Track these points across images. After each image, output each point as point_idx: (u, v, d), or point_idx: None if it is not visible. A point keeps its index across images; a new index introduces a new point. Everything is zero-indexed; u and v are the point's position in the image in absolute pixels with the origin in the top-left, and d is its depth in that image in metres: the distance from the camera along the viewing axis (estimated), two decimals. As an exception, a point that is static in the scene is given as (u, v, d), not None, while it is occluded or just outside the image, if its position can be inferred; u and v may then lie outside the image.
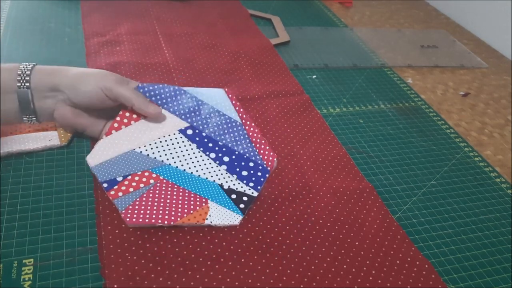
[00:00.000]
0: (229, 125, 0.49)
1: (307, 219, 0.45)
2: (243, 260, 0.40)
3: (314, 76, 0.70)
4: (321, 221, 0.45)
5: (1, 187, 0.44)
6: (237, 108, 0.50)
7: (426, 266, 0.42)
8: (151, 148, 0.47)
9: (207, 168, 0.46)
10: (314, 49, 0.78)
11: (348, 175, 0.51)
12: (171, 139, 0.47)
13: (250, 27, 0.81)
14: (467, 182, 0.54)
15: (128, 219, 0.40)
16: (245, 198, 0.45)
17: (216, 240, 0.42)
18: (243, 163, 0.47)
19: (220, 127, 0.49)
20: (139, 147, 0.46)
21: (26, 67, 0.45)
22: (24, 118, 0.46)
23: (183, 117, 0.48)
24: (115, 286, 0.37)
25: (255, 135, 0.48)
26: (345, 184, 0.50)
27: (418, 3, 1.06)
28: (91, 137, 0.49)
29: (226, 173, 0.46)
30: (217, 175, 0.46)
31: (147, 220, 0.41)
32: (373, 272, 0.41)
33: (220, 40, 0.75)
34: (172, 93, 0.49)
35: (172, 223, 0.41)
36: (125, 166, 0.45)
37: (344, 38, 0.84)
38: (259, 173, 0.46)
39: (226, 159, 0.47)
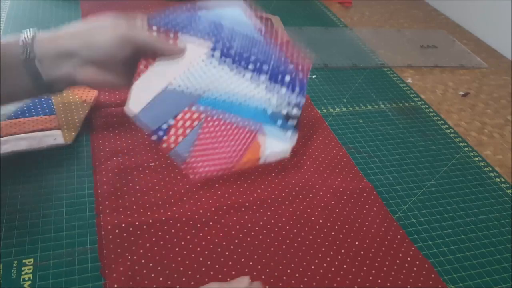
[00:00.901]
0: (254, 42, 0.46)
1: (307, 219, 0.45)
2: (243, 260, 0.40)
3: (314, 76, 0.70)
4: (321, 221, 0.45)
5: (1, 187, 0.44)
6: (257, 27, 0.47)
7: (426, 266, 0.42)
8: (183, 82, 0.43)
9: (246, 92, 0.44)
10: (314, 49, 0.78)
11: (348, 175, 0.51)
12: (200, 67, 0.44)
13: (250, 27, 0.81)
14: (467, 182, 0.54)
15: (191, 175, 0.40)
16: (290, 123, 0.44)
17: (216, 240, 0.42)
18: (280, 77, 0.45)
19: (245, 45, 0.46)
20: (171, 83, 0.43)
21: (27, 36, 0.40)
22: (36, 91, 0.41)
23: (205, 37, 0.45)
24: (115, 286, 0.37)
25: (283, 45, 0.46)
26: (345, 184, 0.50)
27: (418, 3, 1.06)
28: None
29: (267, 94, 0.44)
30: (258, 97, 0.44)
31: (208, 171, 0.40)
32: (373, 272, 0.41)
33: (220, 40, 0.75)
34: (187, 21, 0.46)
35: (232, 169, 0.41)
36: (167, 107, 0.43)
37: (344, 38, 0.84)
38: (299, 84, 0.45)
39: (262, 77, 0.45)
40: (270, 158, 0.42)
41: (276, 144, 0.43)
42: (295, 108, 0.44)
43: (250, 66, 0.45)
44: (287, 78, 0.45)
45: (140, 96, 0.42)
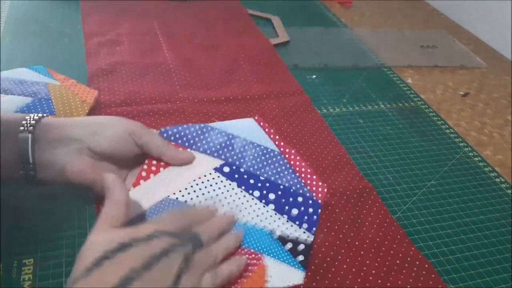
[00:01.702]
0: (267, 155, 0.44)
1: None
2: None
3: (314, 76, 0.70)
4: (321, 221, 0.45)
5: (1, 187, 0.44)
6: (271, 136, 0.46)
7: (426, 266, 0.42)
8: (188, 193, 0.41)
9: (253, 210, 0.41)
10: (314, 49, 0.78)
11: (348, 175, 0.51)
12: (208, 180, 0.42)
13: (250, 27, 0.81)
14: (466, 182, 0.54)
15: None
16: (301, 247, 0.39)
17: (216, 240, 0.42)
18: (291, 199, 0.42)
19: (258, 159, 0.44)
20: (174, 193, 0.41)
21: (33, 117, 0.38)
22: (20, 171, 0.37)
23: (215, 154, 0.44)
24: (115, 286, 0.37)
25: (297, 163, 0.44)
26: (345, 184, 0.50)
27: (418, 3, 1.06)
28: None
29: (275, 214, 0.41)
30: (266, 218, 0.41)
31: None
32: (373, 272, 0.41)
33: (220, 40, 0.75)
34: (199, 132, 0.44)
35: None
36: None
37: (344, 38, 0.84)
38: (311, 209, 0.41)
39: (271, 196, 0.42)
40: (278, 284, 0.37)
41: (285, 272, 0.37)
42: (301, 244, 0.39)
43: (259, 184, 0.42)
44: (294, 211, 0.41)
45: (133, 205, 0.39)
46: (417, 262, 0.42)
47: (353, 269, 0.41)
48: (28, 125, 0.37)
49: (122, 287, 0.29)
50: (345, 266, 0.41)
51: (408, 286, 0.40)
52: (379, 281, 0.40)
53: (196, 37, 0.75)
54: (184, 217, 0.37)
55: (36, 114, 0.39)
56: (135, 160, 0.42)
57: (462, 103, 0.70)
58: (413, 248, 0.44)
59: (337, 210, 0.46)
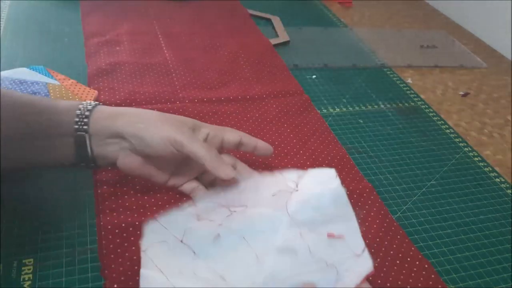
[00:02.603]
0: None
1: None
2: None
3: (314, 76, 0.70)
4: (321, 221, 0.45)
5: (1, 187, 0.44)
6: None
7: (426, 266, 0.42)
8: None
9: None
10: (314, 49, 0.78)
11: (348, 175, 0.51)
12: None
13: (250, 27, 0.81)
14: (466, 182, 0.54)
15: None
16: None
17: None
18: None
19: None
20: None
21: (86, 107, 0.40)
22: (82, 164, 0.41)
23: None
24: (115, 286, 0.37)
25: None
26: (345, 184, 0.50)
27: (418, 3, 1.06)
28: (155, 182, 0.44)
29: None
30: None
31: None
32: (373, 272, 0.41)
33: (220, 40, 0.75)
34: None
35: None
36: None
37: (344, 38, 0.84)
38: None
39: None
40: None
41: None
42: None
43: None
44: None
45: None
46: (417, 262, 0.42)
47: (353, 269, 0.41)
48: (82, 123, 0.39)
49: None
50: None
51: (408, 286, 0.40)
52: (379, 281, 0.40)
53: (196, 37, 0.75)
54: None
55: (86, 106, 0.40)
56: (183, 159, 0.43)
57: (462, 103, 0.70)
58: (413, 248, 0.44)
59: (337, 210, 0.46)
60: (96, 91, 0.56)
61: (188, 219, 0.39)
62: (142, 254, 0.36)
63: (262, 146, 0.45)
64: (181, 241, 0.37)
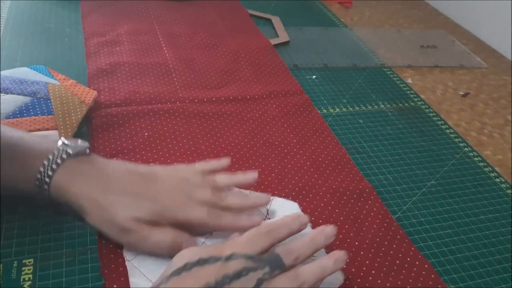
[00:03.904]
0: None
1: None
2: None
3: (314, 76, 0.70)
4: (321, 221, 0.45)
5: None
6: None
7: (426, 266, 0.42)
8: None
9: None
10: (314, 49, 0.78)
11: (348, 175, 0.51)
12: None
13: (250, 27, 0.81)
14: (466, 182, 0.54)
15: None
16: None
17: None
18: None
19: None
20: None
21: (54, 160, 0.37)
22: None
23: None
24: (115, 286, 0.37)
25: None
26: (345, 184, 0.50)
27: (418, 3, 1.06)
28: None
29: None
30: None
31: None
32: (373, 272, 0.41)
33: (220, 40, 0.75)
34: None
35: None
36: None
37: (344, 38, 0.84)
38: None
39: None
40: None
41: None
42: None
43: None
44: None
45: None
46: (417, 262, 0.42)
47: (353, 269, 0.41)
48: (44, 188, 0.37)
49: None
50: (345, 266, 0.41)
51: (408, 286, 0.40)
52: (379, 281, 0.40)
53: (196, 37, 0.75)
54: (265, 237, 0.36)
55: (55, 159, 0.37)
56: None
57: (462, 103, 0.70)
58: (413, 248, 0.44)
59: (337, 210, 0.46)
60: (95, 92, 0.56)
61: None
62: (128, 264, 0.37)
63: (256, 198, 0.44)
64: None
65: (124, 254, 0.39)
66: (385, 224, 0.46)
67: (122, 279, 0.37)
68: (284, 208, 0.45)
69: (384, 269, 0.41)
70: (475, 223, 0.48)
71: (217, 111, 0.58)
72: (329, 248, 0.42)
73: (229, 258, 0.33)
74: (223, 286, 0.31)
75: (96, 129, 0.52)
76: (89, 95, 0.55)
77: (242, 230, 0.37)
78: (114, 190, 0.38)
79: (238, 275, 0.32)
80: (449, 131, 0.62)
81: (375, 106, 0.65)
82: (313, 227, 0.44)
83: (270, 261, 0.34)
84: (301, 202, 0.47)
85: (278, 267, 0.33)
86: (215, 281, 0.31)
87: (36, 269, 0.37)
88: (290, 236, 0.37)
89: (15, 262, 0.38)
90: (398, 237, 0.45)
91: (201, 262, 0.32)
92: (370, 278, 0.40)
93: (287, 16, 0.88)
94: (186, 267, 0.32)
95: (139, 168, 0.41)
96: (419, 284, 0.40)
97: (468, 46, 0.88)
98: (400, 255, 0.43)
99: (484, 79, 0.78)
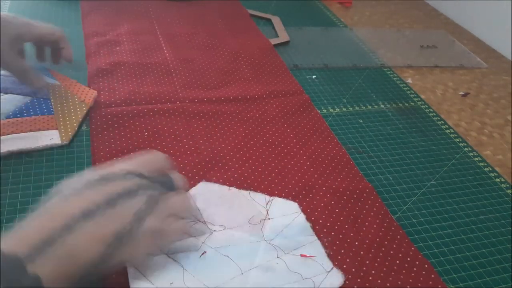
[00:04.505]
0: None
1: (307, 219, 0.45)
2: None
3: (314, 76, 0.70)
4: (321, 221, 0.45)
5: (1, 187, 0.44)
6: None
7: (426, 266, 0.42)
8: None
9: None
10: (314, 49, 0.78)
11: (348, 175, 0.51)
12: None
13: (250, 27, 0.81)
14: (466, 182, 0.54)
15: None
16: None
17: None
18: None
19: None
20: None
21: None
22: None
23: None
24: (115, 286, 0.37)
25: None
26: (345, 184, 0.50)
27: (418, 3, 1.06)
28: None
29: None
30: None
31: None
32: (373, 272, 0.41)
33: (220, 40, 0.75)
34: None
35: None
36: None
37: (344, 38, 0.84)
38: None
39: None
40: None
41: None
42: None
43: None
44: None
45: None
46: (417, 262, 0.42)
47: (353, 269, 0.41)
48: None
49: (82, 218, 0.31)
50: (345, 266, 0.41)
51: (408, 286, 0.40)
52: (379, 281, 0.40)
53: (196, 37, 0.75)
54: (162, 161, 0.39)
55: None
56: None
57: (462, 103, 0.70)
58: (413, 248, 0.44)
59: (337, 210, 0.46)
60: (95, 92, 0.56)
61: None
62: (128, 264, 0.37)
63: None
64: (167, 255, 0.38)
65: None
66: (385, 224, 0.46)
67: (122, 279, 0.37)
68: (284, 208, 0.45)
69: (384, 269, 0.41)
70: (475, 223, 0.48)
71: (217, 111, 0.58)
72: (329, 248, 0.42)
73: (122, 176, 0.35)
74: (115, 204, 0.33)
75: (96, 129, 0.52)
76: (89, 94, 0.55)
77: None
78: None
79: (130, 192, 0.34)
80: (449, 131, 0.62)
81: (375, 106, 0.65)
82: (313, 227, 0.44)
83: (164, 181, 0.38)
84: (301, 202, 0.47)
85: (171, 188, 0.38)
86: (104, 200, 0.33)
87: (36, 269, 0.37)
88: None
89: (15, 262, 0.38)
90: (398, 237, 0.45)
91: (101, 179, 0.34)
92: (370, 278, 0.40)
93: (287, 16, 0.88)
94: (88, 184, 0.34)
95: None
96: (419, 284, 0.40)
97: (468, 46, 0.88)
98: (400, 255, 0.43)
99: (484, 79, 0.78)
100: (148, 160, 0.39)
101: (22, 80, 0.52)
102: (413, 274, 0.41)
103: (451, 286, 0.41)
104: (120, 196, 0.33)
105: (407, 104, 0.67)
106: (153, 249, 0.36)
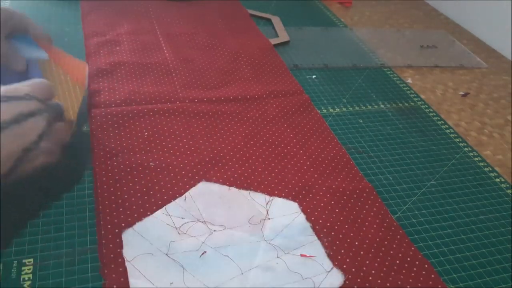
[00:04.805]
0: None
1: (307, 219, 0.45)
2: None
3: (314, 76, 0.70)
4: (321, 221, 0.45)
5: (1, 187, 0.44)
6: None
7: (426, 266, 0.42)
8: None
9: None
10: (314, 49, 0.78)
11: (348, 175, 0.51)
12: None
13: (250, 27, 0.81)
14: (466, 182, 0.54)
15: None
16: None
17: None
18: None
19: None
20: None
21: None
22: None
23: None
24: (115, 286, 0.37)
25: None
26: (345, 184, 0.50)
27: (418, 3, 1.06)
28: None
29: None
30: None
31: None
32: (373, 272, 0.41)
33: (220, 40, 0.75)
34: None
35: None
36: None
37: (344, 38, 0.84)
38: None
39: None
40: None
41: None
42: None
43: None
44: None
45: None
46: (417, 262, 0.42)
47: (353, 269, 0.41)
48: None
49: None
50: (345, 266, 0.41)
51: (408, 286, 0.40)
52: (379, 281, 0.40)
53: (196, 37, 0.75)
54: (50, 88, 0.40)
55: None
56: None
57: (462, 103, 0.70)
58: (413, 248, 0.44)
59: (337, 210, 0.46)
60: (86, 64, 0.50)
61: (169, 233, 0.41)
62: (128, 264, 0.38)
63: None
64: (167, 255, 0.39)
65: (124, 255, 0.39)
66: (385, 224, 0.46)
67: (122, 279, 0.37)
68: (284, 208, 0.45)
69: (384, 269, 0.41)
70: (475, 223, 0.48)
71: (217, 111, 0.58)
72: (329, 248, 0.42)
73: (25, 96, 0.36)
74: (20, 123, 0.34)
75: (96, 129, 0.52)
76: (81, 70, 0.49)
77: None
78: None
79: (33, 113, 0.36)
80: (449, 131, 0.62)
81: (375, 106, 0.65)
82: (313, 227, 0.44)
83: (55, 107, 0.39)
84: (301, 202, 0.47)
85: (59, 114, 0.40)
86: (10, 118, 0.34)
87: (36, 269, 0.38)
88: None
89: (15, 262, 0.38)
90: (398, 237, 0.45)
91: (4, 96, 0.35)
92: (370, 278, 0.40)
93: (287, 16, 0.88)
94: None
95: None
96: (419, 284, 0.40)
97: (468, 46, 0.88)
98: (400, 255, 0.43)
99: (484, 79, 0.78)
100: (40, 84, 0.39)
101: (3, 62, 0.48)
102: (413, 274, 0.41)
103: (451, 286, 0.41)
104: (24, 116, 0.35)
105: (407, 104, 0.67)
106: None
